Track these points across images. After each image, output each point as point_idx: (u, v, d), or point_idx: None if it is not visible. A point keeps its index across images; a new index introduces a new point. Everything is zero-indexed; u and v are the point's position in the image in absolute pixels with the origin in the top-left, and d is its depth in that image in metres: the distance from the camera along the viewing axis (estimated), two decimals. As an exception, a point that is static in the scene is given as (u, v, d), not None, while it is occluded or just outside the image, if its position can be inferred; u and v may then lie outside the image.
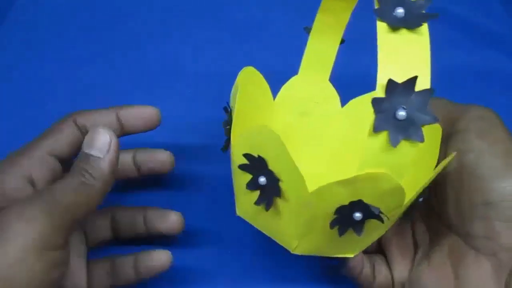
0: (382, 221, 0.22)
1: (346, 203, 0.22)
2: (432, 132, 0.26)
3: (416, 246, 0.29)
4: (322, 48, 0.31)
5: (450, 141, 0.26)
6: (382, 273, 0.29)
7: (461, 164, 0.25)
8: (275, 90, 0.33)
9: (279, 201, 0.23)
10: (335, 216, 0.23)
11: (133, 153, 0.32)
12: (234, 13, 0.47)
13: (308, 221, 0.23)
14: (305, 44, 0.32)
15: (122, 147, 0.26)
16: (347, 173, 0.32)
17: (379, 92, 0.19)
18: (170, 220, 0.31)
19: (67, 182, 0.24)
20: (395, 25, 0.19)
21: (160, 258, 0.29)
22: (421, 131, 0.19)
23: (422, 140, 0.19)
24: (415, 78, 0.19)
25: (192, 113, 0.40)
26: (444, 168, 0.25)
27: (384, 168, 0.20)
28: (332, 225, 0.23)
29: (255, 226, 0.26)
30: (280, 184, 0.22)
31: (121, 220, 0.31)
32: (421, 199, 0.26)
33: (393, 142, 0.19)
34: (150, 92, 0.42)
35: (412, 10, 0.19)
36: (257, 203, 0.24)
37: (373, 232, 0.25)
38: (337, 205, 0.22)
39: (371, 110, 0.31)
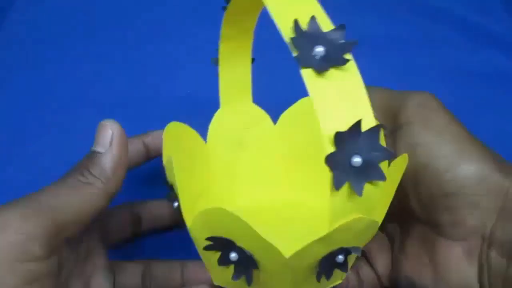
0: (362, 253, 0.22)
1: (326, 254, 0.21)
2: None
3: (391, 239, 0.29)
4: (235, 74, 0.30)
5: (396, 136, 0.26)
6: (367, 273, 0.29)
7: (412, 159, 0.25)
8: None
9: (258, 272, 0.22)
10: (318, 269, 0.22)
11: None
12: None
13: (292, 278, 0.22)
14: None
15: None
16: (300, 190, 0.32)
17: (328, 147, 0.18)
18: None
19: (62, 183, 0.23)
20: (321, 68, 0.18)
21: None
22: (381, 170, 0.19)
23: (384, 179, 0.19)
24: (359, 121, 0.18)
25: (193, 112, 0.40)
26: (403, 176, 0.24)
27: (354, 213, 0.19)
28: (318, 278, 0.22)
29: None
30: (255, 257, 0.21)
31: (155, 273, 0.29)
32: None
33: (358, 191, 0.19)
34: (150, 92, 0.42)
35: (331, 43, 0.18)
36: (234, 278, 0.22)
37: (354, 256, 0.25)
38: (318, 259, 0.21)
39: (304, 119, 0.31)
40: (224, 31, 0.27)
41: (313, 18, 0.18)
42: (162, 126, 0.31)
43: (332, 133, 0.18)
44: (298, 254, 0.20)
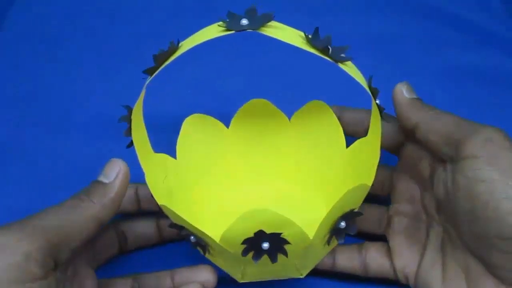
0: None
1: (334, 222, 0.25)
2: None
3: (427, 235, 0.28)
4: (143, 133, 0.31)
5: (457, 167, 0.25)
6: (376, 261, 0.29)
7: (471, 193, 0.24)
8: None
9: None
10: (327, 237, 0.25)
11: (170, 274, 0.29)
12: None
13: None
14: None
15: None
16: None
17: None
18: (203, 276, 0.29)
19: (59, 205, 0.24)
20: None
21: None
22: None
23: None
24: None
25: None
26: (456, 208, 0.25)
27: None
28: (328, 241, 0.26)
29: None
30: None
31: (145, 284, 0.29)
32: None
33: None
34: (151, 92, 0.41)
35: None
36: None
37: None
38: (328, 229, 0.25)
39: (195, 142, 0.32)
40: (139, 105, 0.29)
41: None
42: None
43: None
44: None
